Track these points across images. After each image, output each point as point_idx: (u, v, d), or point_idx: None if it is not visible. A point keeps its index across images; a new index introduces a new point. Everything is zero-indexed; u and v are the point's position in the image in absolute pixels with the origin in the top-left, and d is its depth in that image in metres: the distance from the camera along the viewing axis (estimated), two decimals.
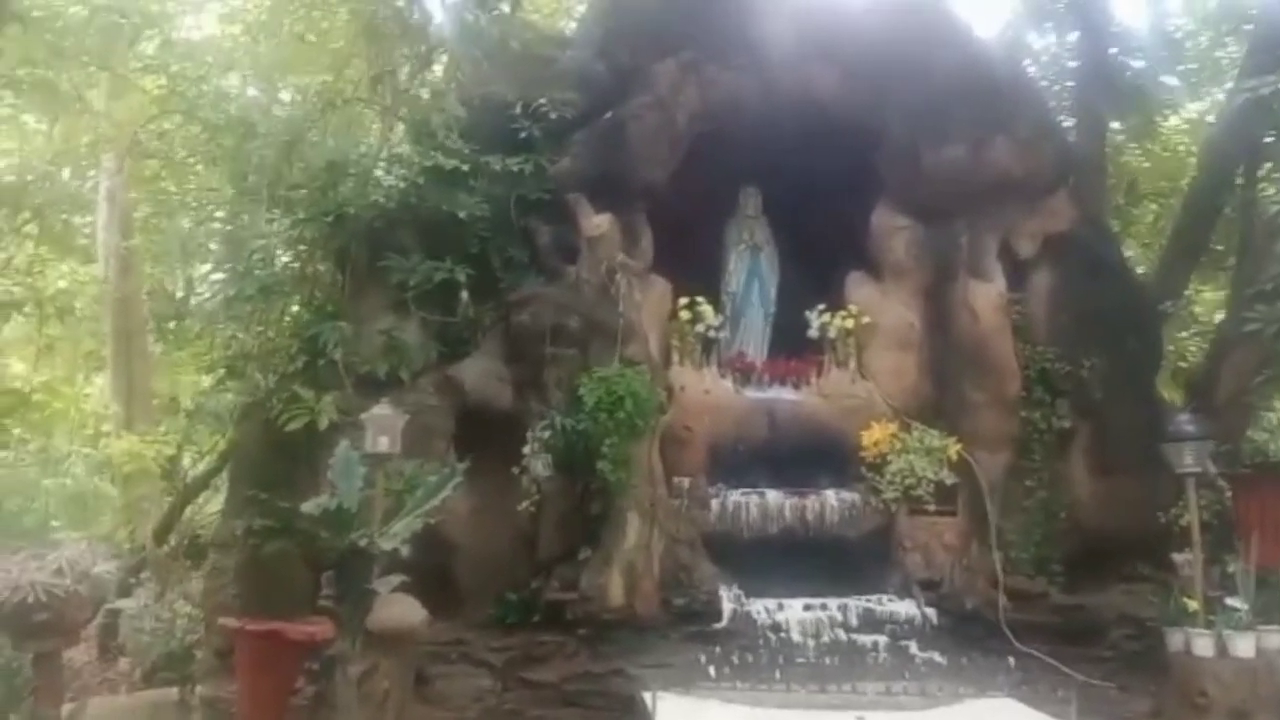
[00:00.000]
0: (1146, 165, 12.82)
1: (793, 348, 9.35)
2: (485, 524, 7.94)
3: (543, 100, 8.39)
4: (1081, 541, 8.47)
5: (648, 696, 5.66)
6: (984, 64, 8.98)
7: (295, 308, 8.64)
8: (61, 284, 14.08)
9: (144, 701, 7.40)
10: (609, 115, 8.50)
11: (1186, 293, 12.09)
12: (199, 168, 10.77)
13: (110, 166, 14.93)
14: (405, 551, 5.81)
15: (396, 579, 5.96)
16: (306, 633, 6.36)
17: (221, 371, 8.53)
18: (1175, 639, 6.63)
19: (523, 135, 8.43)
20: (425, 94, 9.56)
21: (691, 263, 9.40)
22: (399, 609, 6.40)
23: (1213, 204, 11.52)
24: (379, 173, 8.16)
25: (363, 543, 5.54)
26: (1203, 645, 6.44)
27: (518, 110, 8.45)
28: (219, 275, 8.97)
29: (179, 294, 10.95)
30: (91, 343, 16.14)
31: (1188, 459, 6.81)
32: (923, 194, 8.94)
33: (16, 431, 15.25)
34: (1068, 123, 11.76)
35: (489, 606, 7.75)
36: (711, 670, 6.94)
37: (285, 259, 8.59)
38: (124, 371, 14.67)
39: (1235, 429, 9.37)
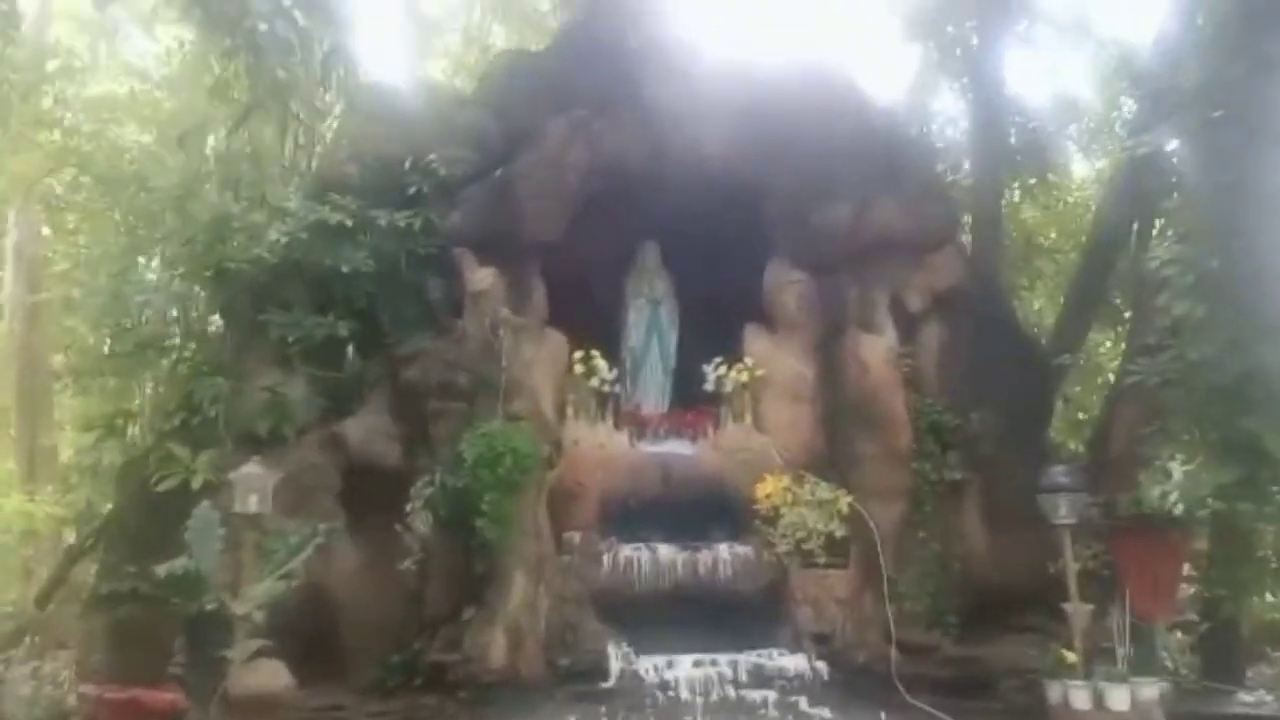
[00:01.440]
0: (1044, 222, 13.13)
1: (694, 401, 9.38)
2: (372, 583, 7.78)
3: (433, 156, 8.40)
4: (975, 593, 8.48)
5: None
6: (873, 126, 9.21)
7: (179, 364, 8.46)
8: None
9: None
10: (499, 172, 8.54)
11: (1085, 346, 12.38)
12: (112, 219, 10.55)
13: (14, 220, 14.74)
14: (259, 616, 5.61)
15: (254, 644, 5.78)
16: (166, 700, 6.15)
17: (100, 430, 8.28)
18: (1054, 691, 6.65)
19: (412, 191, 8.42)
20: (317, 150, 9.52)
21: (591, 318, 9.41)
22: (263, 675, 6.20)
23: (1108, 259, 11.83)
24: (268, 231, 8.04)
25: (211, 607, 5.34)
26: (1080, 698, 6.47)
27: (407, 166, 8.44)
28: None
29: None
30: None
31: (1062, 510, 6.88)
32: (812, 250, 9.08)
33: None
34: (966, 182, 12.11)
35: (375, 668, 7.56)
36: None
37: (171, 314, 8.40)
38: (28, 428, 14.32)
39: (1128, 480, 9.55)
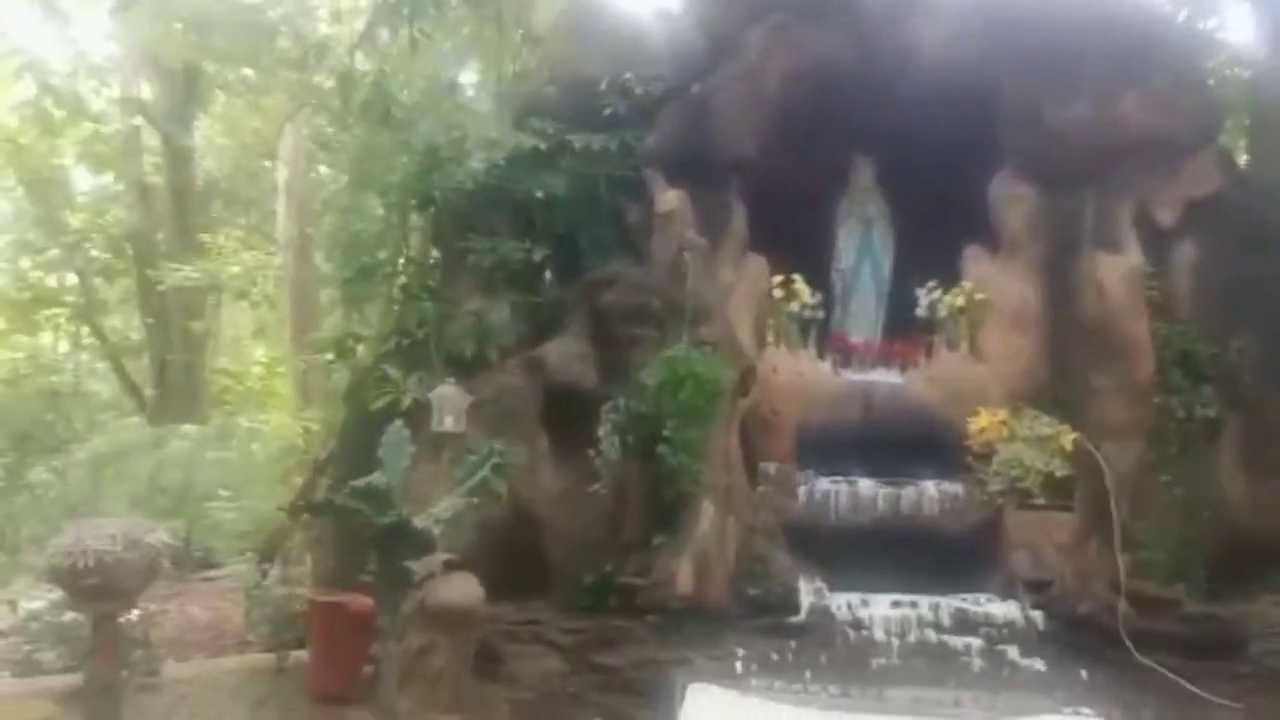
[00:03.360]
0: None
1: (908, 328, 8.81)
2: (573, 504, 7.89)
3: (629, 75, 8.22)
4: (1228, 545, 7.52)
5: (681, 686, 5.44)
6: (1111, 8, 8.07)
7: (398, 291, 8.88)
8: (235, 269, 15.12)
9: (242, 665, 7.80)
10: (695, 88, 8.23)
11: None
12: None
13: (285, 157, 16.07)
14: (437, 530, 5.81)
15: (440, 558, 5.99)
16: (367, 605, 6.55)
17: (331, 353, 8.88)
18: None
19: (608, 112, 8.30)
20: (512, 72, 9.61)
21: (800, 241, 9.01)
22: (457, 588, 6.46)
23: None
24: (472, 161, 8.21)
25: (388, 521, 5.57)
26: None
27: (604, 87, 8.32)
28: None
29: None
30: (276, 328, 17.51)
31: None
32: (1044, 158, 8.19)
33: (227, 409, 16.84)
34: (1244, 75, 10.49)
35: (572, 588, 7.75)
36: (776, 665, 6.58)
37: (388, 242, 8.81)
38: (300, 354, 15.75)
39: None
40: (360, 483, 6.02)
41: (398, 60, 10.35)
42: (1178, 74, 8.10)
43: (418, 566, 5.83)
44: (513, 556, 7.66)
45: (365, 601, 6.59)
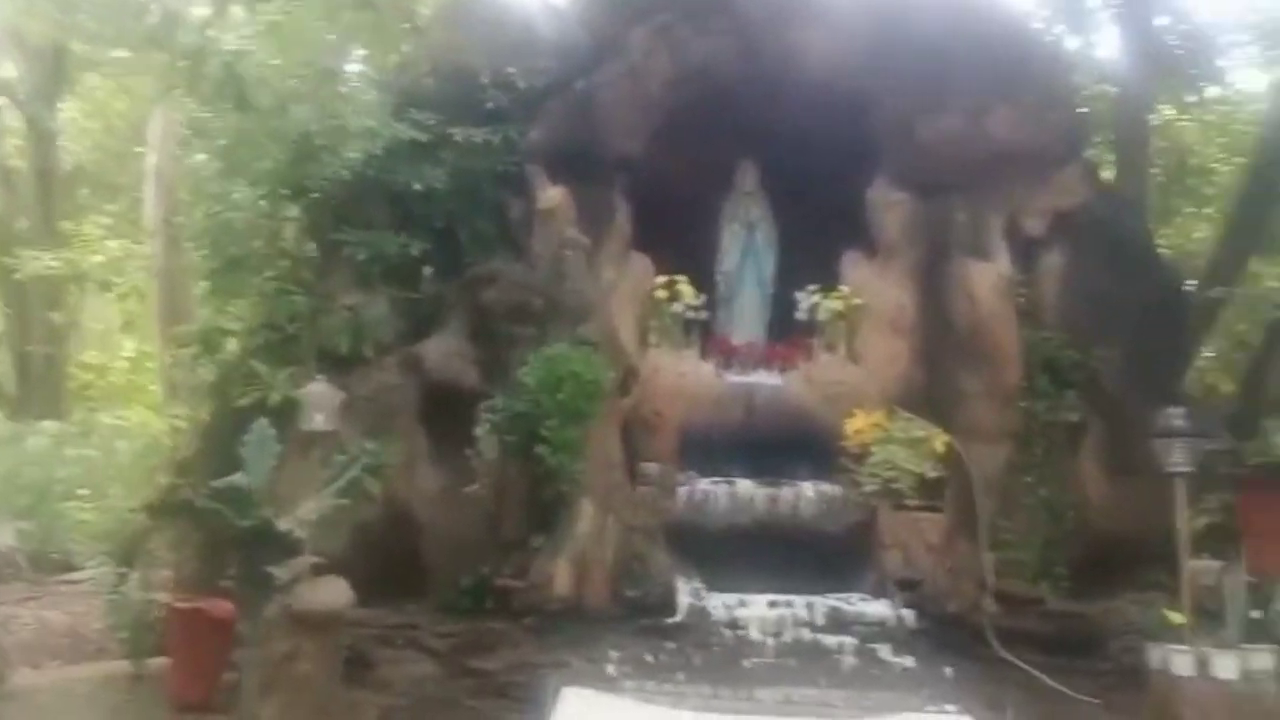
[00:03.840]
0: (1202, 140, 11.78)
1: (791, 331, 8.90)
2: (452, 506, 7.71)
3: (512, 69, 8.09)
4: (1091, 545, 7.81)
5: (554, 689, 5.34)
6: (985, 24, 8.31)
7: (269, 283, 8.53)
8: (98, 259, 14.38)
9: (100, 673, 7.40)
10: (579, 84, 8.15)
11: (1245, 277, 11.14)
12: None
13: (155, 142, 15.35)
14: (301, 534, 5.58)
15: (304, 561, 5.75)
16: (229, 610, 6.27)
17: (196, 347, 8.48)
18: (1155, 655, 5.99)
19: (491, 105, 8.15)
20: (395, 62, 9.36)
21: (686, 242, 9.02)
22: (325, 592, 6.20)
23: (1273, 180, 10.57)
24: (348, 150, 7.93)
25: (250, 524, 5.33)
26: (1182, 663, 5.79)
27: (485, 80, 8.16)
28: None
29: None
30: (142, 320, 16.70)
31: (1177, 457, 6.13)
32: (919, 167, 8.36)
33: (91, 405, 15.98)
34: (1111, 92, 10.96)
35: (449, 590, 7.57)
36: (651, 667, 6.54)
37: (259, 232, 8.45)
38: (169, 349, 15.05)
39: None
40: (220, 483, 5.76)
41: (275, 45, 9.94)
42: (1046, 89, 8.39)
43: (281, 570, 5.58)
44: (389, 559, 7.45)
45: (227, 606, 6.34)
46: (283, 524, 5.51)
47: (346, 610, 6.30)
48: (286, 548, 5.57)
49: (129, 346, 19.27)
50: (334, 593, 6.26)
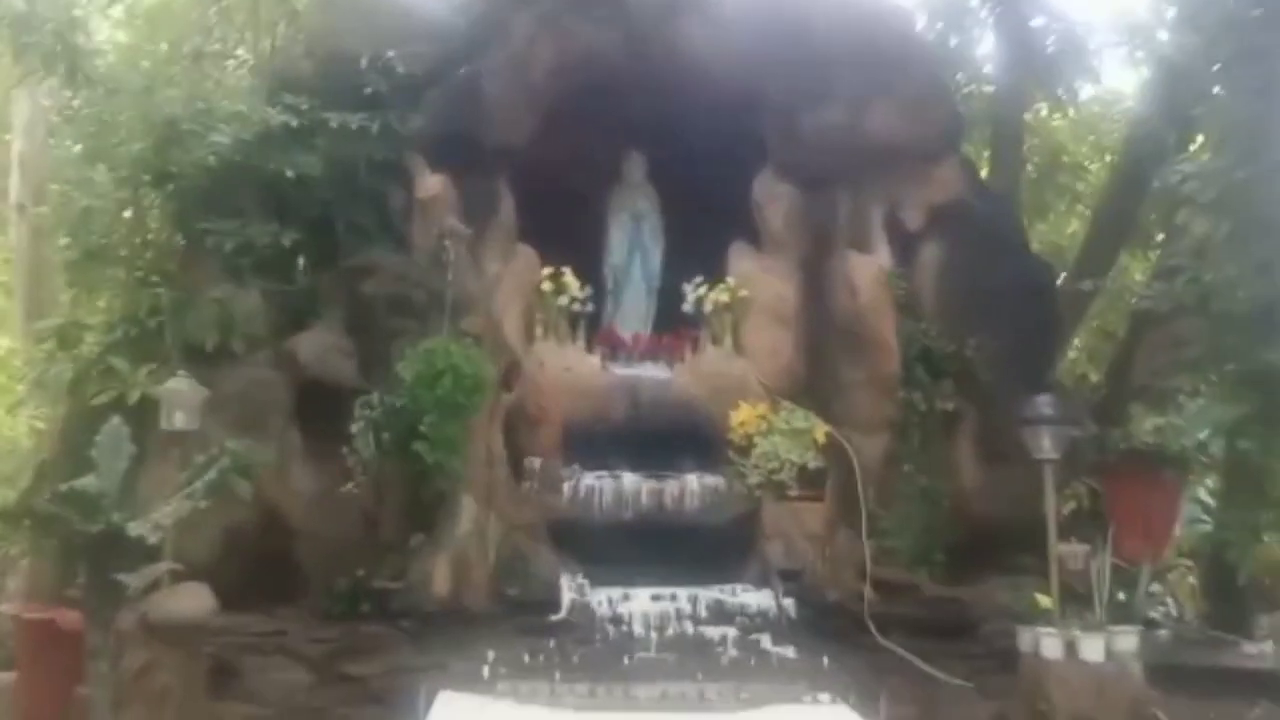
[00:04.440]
0: (1073, 136, 12.19)
1: (678, 323, 8.86)
2: (327, 507, 7.43)
3: (391, 53, 7.84)
4: (966, 531, 7.96)
5: (423, 694, 5.18)
6: (868, 21, 8.41)
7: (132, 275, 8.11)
8: None
9: None
10: (462, 71, 7.96)
11: (1115, 270, 11.56)
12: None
13: (21, 127, 14.49)
14: (154, 539, 5.30)
15: (158, 568, 5.47)
16: (80, 621, 5.93)
17: (51, 343, 8.00)
18: (1025, 638, 6.14)
19: (370, 91, 7.88)
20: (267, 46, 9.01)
21: (573, 234, 8.91)
22: (184, 600, 5.92)
23: (1141, 176, 10.95)
24: (215, 134, 7.57)
25: (97, 529, 5.04)
26: (1051, 646, 5.94)
27: (364, 64, 7.90)
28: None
29: None
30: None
31: (1045, 443, 6.29)
32: (802, 160, 8.42)
33: None
34: (986, 89, 11.24)
35: (323, 594, 7.31)
36: (529, 666, 6.41)
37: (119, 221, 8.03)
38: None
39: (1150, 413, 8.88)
40: (66, 486, 5.43)
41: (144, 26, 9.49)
42: (926, 85, 8.54)
43: (132, 578, 5.29)
44: (261, 563, 7.16)
45: (77, 617, 5.98)
46: (134, 528, 5.22)
47: (209, 618, 6.04)
48: (139, 554, 5.29)
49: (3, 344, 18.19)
50: (194, 600, 5.99)
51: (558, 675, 6.02)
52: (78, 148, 8.59)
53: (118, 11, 10.94)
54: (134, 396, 6.92)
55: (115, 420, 5.83)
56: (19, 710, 6.21)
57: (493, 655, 6.24)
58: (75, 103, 10.94)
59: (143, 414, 6.80)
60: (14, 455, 10.74)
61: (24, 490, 9.36)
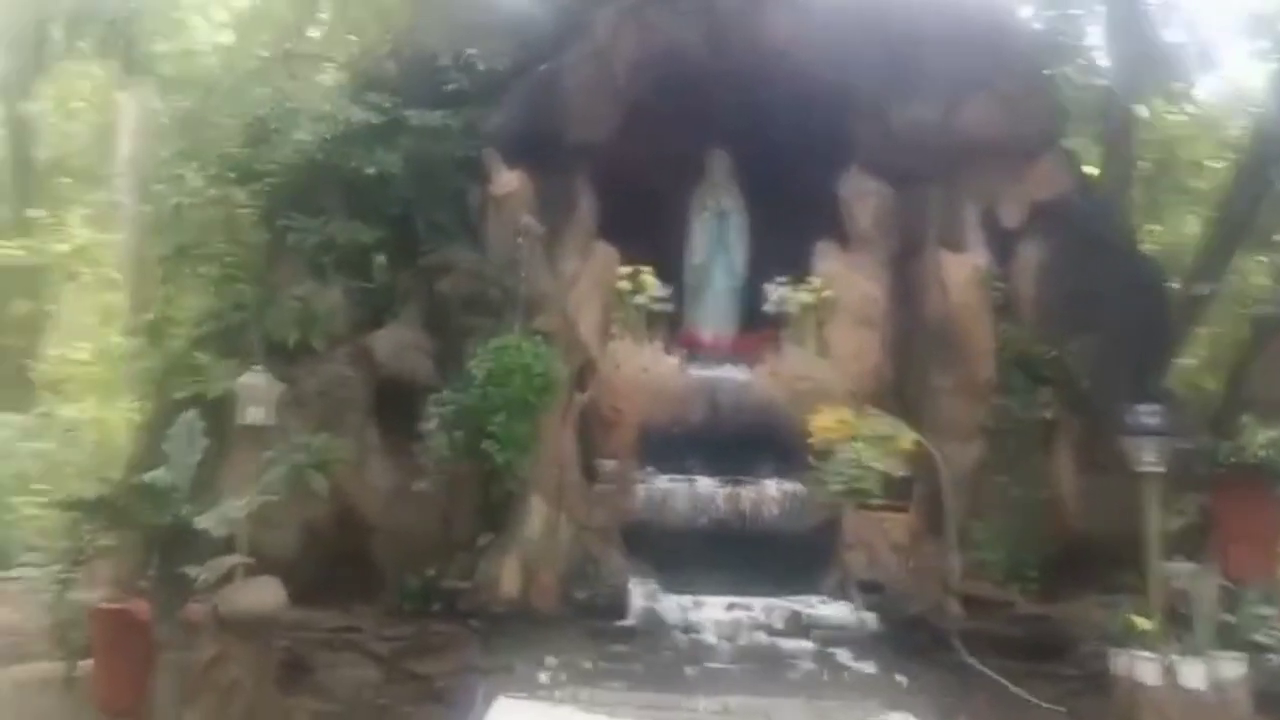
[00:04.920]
0: (1191, 134, 11.48)
1: (760, 324, 8.63)
2: (403, 504, 7.44)
3: (473, 51, 7.81)
4: (1064, 546, 7.52)
5: (482, 696, 5.08)
6: (961, 11, 8.03)
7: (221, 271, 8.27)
8: (63, 248, 14.11)
9: (34, 675, 7.11)
10: (543, 67, 7.88)
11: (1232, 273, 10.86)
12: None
13: (126, 129, 15.10)
14: (219, 533, 5.31)
15: (228, 561, 5.49)
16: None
17: (142, 337, 8.22)
18: (1120, 662, 5.73)
19: (451, 88, 7.87)
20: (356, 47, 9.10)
21: (655, 232, 8.76)
22: (255, 594, 5.95)
23: (1264, 176, 10.28)
24: (299, 133, 7.66)
25: (169, 520, 5.07)
26: (1147, 671, 5.52)
27: (446, 62, 7.89)
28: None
29: None
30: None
31: (1147, 456, 5.86)
32: (893, 157, 8.09)
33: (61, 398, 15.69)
34: (1099, 84, 10.68)
35: (400, 591, 7.30)
36: (590, 673, 6.25)
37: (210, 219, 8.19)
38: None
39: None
40: (138, 479, 5.51)
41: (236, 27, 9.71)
42: (1023, 78, 8.11)
43: (200, 570, 5.32)
44: (338, 559, 7.19)
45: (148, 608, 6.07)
46: (201, 522, 5.24)
47: (280, 612, 6.06)
48: (206, 547, 5.33)
49: (112, 339, 19.02)
50: (265, 594, 6.01)
51: (622, 682, 5.84)
52: (174, 147, 8.80)
53: (222, 15, 11.23)
54: (215, 391, 7.00)
55: (188, 414, 5.89)
56: (96, 698, 6.33)
57: (554, 661, 6.08)
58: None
59: (224, 409, 6.91)
60: (109, 447, 11.08)
61: (114, 483, 9.74)
